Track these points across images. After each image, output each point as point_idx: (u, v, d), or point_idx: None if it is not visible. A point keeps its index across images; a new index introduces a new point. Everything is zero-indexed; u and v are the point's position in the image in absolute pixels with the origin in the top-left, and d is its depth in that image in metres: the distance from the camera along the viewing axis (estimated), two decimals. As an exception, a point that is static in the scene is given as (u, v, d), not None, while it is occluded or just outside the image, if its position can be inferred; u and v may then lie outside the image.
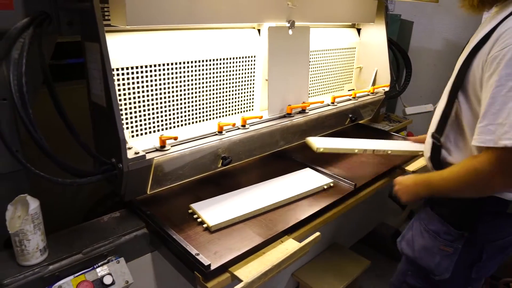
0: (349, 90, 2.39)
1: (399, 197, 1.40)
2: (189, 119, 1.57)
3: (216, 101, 1.65)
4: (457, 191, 1.19)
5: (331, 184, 1.63)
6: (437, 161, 1.31)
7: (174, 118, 1.52)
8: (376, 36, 2.33)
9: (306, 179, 1.65)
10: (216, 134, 1.50)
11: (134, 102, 1.38)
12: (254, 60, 1.74)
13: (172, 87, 1.47)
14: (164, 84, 1.44)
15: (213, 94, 1.62)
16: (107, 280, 1.13)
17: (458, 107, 1.22)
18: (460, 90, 1.20)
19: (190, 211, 1.41)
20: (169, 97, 1.47)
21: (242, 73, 1.71)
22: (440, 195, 1.28)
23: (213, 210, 1.38)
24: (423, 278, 1.36)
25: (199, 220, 1.34)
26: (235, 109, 1.75)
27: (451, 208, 1.27)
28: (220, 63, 1.60)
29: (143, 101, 1.40)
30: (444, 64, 3.38)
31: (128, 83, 1.34)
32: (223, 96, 1.67)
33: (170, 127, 1.52)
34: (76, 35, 1.20)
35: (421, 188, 1.31)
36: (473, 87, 1.16)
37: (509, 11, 1.09)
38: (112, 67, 1.18)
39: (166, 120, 1.49)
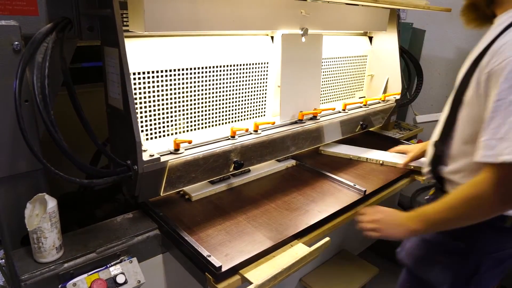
0: (360, 98, 2.40)
1: (379, 231, 1.30)
2: (202, 124, 1.60)
3: (230, 106, 1.67)
4: (457, 223, 1.14)
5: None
6: (438, 172, 1.27)
7: (188, 122, 1.54)
8: (388, 44, 2.34)
9: None
10: (229, 139, 1.52)
11: (150, 106, 1.41)
12: (267, 67, 1.76)
13: (187, 92, 1.50)
14: (180, 88, 1.47)
15: (227, 99, 1.65)
16: (120, 279, 1.15)
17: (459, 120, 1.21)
18: (460, 104, 1.20)
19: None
20: (183, 101, 1.50)
21: (255, 79, 1.74)
22: (436, 230, 1.23)
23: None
24: None
25: None
26: (248, 115, 1.77)
27: None
28: (234, 69, 1.63)
29: (159, 104, 1.43)
30: (455, 73, 3.29)
31: (145, 87, 1.37)
32: (236, 102, 1.69)
33: (184, 131, 1.55)
34: (96, 39, 1.24)
35: (417, 224, 1.20)
36: (472, 101, 1.15)
37: (509, 22, 1.08)
38: (130, 72, 1.21)
39: (180, 123, 1.52)
